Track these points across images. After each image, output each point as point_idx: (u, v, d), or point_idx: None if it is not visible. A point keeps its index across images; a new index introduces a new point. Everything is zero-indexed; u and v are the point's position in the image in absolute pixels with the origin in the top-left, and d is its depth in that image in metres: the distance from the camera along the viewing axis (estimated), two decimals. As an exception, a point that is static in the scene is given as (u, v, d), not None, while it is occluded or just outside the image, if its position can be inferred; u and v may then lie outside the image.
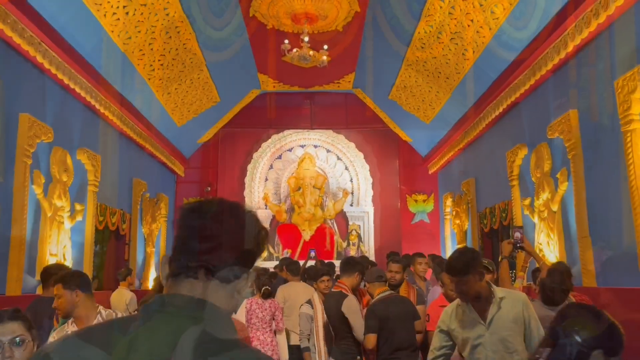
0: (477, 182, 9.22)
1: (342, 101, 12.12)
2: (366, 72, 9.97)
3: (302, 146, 12.43)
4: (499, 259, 3.68)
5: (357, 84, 11.03)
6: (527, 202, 6.92)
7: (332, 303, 4.10)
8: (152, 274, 9.74)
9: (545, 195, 6.35)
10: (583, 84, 5.60)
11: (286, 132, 12.27)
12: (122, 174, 8.56)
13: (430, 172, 11.98)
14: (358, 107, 11.98)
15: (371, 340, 3.77)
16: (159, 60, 7.52)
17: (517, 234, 3.82)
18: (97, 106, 7.11)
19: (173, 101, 9.00)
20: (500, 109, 7.48)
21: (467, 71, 7.56)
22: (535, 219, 6.63)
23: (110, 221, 8.06)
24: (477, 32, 6.65)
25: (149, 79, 7.81)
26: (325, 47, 7.26)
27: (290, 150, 12.43)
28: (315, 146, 12.42)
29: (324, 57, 7.43)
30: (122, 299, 6.94)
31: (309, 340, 4.28)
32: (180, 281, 1.00)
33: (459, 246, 10.16)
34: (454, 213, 10.47)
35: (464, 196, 9.78)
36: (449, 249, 10.96)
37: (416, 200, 12.06)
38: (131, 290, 7.23)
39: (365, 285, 4.32)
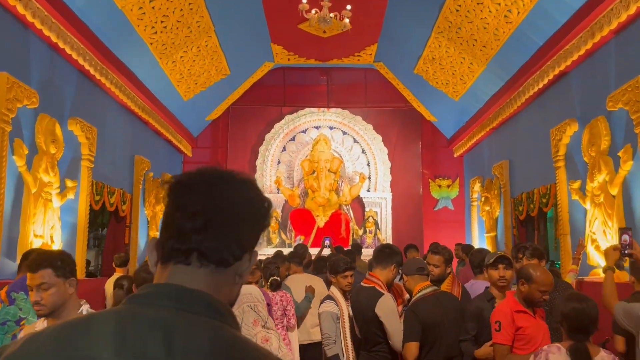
0: (512, 164, 8.35)
1: (362, 78, 11.26)
2: (390, 42, 9.09)
3: (317, 127, 11.62)
4: (602, 270, 2.91)
5: (379, 57, 10.14)
6: (576, 185, 6.06)
7: (363, 302, 3.31)
8: (156, 260, 9.03)
9: (601, 177, 5.49)
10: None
11: (300, 112, 11.47)
12: (122, 149, 7.82)
13: (455, 155, 11.11)
14: (379, 84, 11.13)
15: (412, 350, 2.99)
16: (161, 21, 6.72)
17: (625, 237, 3.04)
18: (92, 71, 6.34)
19: (178, 71, 8.20)
20: (545, 80, 6.59)
21: (508, 37, 6.67)
22: (587, 205, 5.78)
23: (108, 201, 7.33)
24: (525, -12, 5.77)
25: (151, 44, 7.02)
26: (349, 7, 6.41)
27: (304, 131, 11.63)
28: (331, 128, 11.61)
29: (346, 20, 6.58)
30: (119, 286, 6.22)
31: (335, 344, 3.48)
32: (171, 268, 0.89)
33: (488, 235, 9.32)
34: (482, 199, 9.62)
35: (496, 180, 8.92)
36: (475, 238, 10.13)
37: (440, 186, 11.22)
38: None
39: (401, 279, 3.51)
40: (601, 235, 5.50)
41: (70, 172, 6.16)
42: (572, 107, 6.26)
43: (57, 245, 5.69)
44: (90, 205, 6.70)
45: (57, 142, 5.74)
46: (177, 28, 7.08)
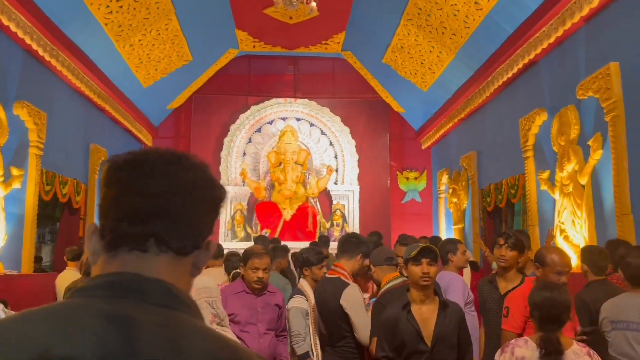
0: (480, 155, 8.27)
1: (330, 67, 11.04)
2: (358, 30, 8.88)
3: (284, 119, 11.34)
4: None
5: (347, 46, 9.93)
6: (544, 175, 5.99)
7: (328, 293, 3.08)
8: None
9: (570, 167, 5.41)
10: (626, 31, 4.64)
11: (266, 103, 11.17)
12: (75, 137, 7.38)
13: (423, 147, 11.01)
14: (347, 74, 10.93)
15: (380, 344, 2.77)
16: (116, 0, 6.32)
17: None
18: (41, 52, 5.90)
19: (137, 55, 7.79)
20: (515, 69, 6.49)
21: (478, 24, 6.54)
22: (556, 195, 5.71)
23: (60, 191, 6.90)
24: (496, -27, 5.63)
25: (106, 24, 6.61)
26: (316, -11, 6.16)
27: (270, 123, 11.34)
28: (298, 119, 11.35)
29: (313, 4, 6.33)
30: (70, 282, 5.83)
31: (304, 341, 3.24)
32: (122, 255, 0.79)
33: (455, 227, 9.25)
34: (450, 191, 9.54)
35: (463, 172, 8.84)
36: (443, 230, 10.06)
37: (407, 178, 11.12)
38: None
39: (370, 270, 3.30)
40: (570, 225, 5.43)
41: (17, 160, 5.72)
42: (541, 97, 6.18)
43: (0, 237, 5.28)
44: (40, 196, 6.28)
45: (0, 126, 5.31)
46: (135, 8, 6.68)
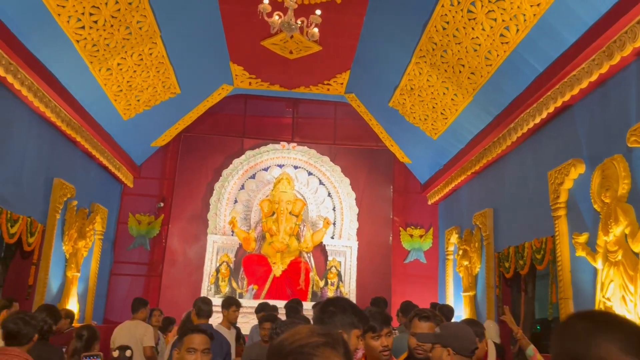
0: (497, 213, 7.27)
1: (331, 112, 10.26)
2: (364, 69, 8.09)
3: (280, 166, 10.47)
4: None
5: (351, 87, 9.13)
6: (582, 238, 4.97)
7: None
8: (72, 306, 7.46)
9: (619, 230, 4.40)
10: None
11: (262, 148, 10.33)
12: (34, 168, 6.41)
13: (430, 202, 10.03)
14: (349, 119, 10.14)
15: None
16: (90, 13, 5.51)
17: None
18: (-7, 65, 5.04)
19: (115, 82, 6.94)
20: (544, 114, 5.59)
21: (502, 61, 5.71)
22: (599, 263, 4.67)
23: (7, 230, 5.86)
24: None
25: (77, 41, 5.78)
26: (318, 12, 5.36)
27: (266, 169, 10.46)
28: (296, 167, 10.48)
29: (315, 30, 5.52)
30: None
31: None
32: None
33: (465, 294, 8.13)
34: (460, 253, 8.47)
35: (477, 231, 7.81)
36: (450, 297, 8.92)
37: (411, 235, 10.07)
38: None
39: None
40: (619, 302, 4.36)
41: (-53, 189, 4.74)
42: (576, 145, 5.25)
43: None
44: (-22, 233, 5.25)
45: None
46: (112, 26, 5.87)
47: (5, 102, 5.59)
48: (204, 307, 4.46)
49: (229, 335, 4.77)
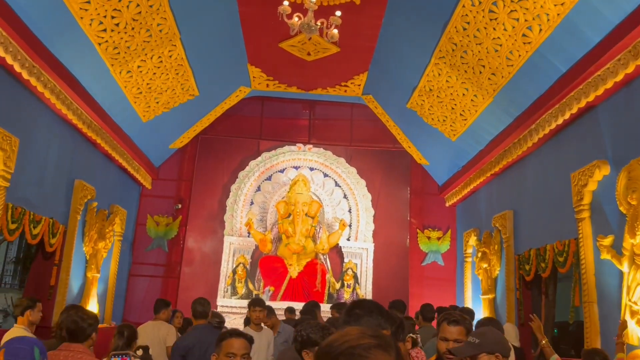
0: (517, 215, 7.19)
1: (348, 113, 10.24)
2: (382, 70, 8.06)
3: (296, 168, 10.47)
4: None
5: (369, 89, 9.11)
6: (607, 241, 4.90)
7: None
8: (92, 307, 7.53)
9: (645, 232, 4.33)
10: None
11: (279, 150, 10.35)
12: (56, 170, 6.48)
13: (447, 204, 9.96)
14: (366, 121, 10.11)
15: None
16: (112, 16, 5.56)
17: None
18: (17, 67, 5.08)
19: (135, 84, 7.00)
20: (567, 115, 5.53)
21: (523, 62, 5.65)
22: (624, 267, 4.60)
23: (30, 231, 5.93)
24: (551, -1, 4.77)
25: (99, 44, 5.84)
26: (338, 13, 5.36)
27: (282, 171, 10.47)
28: (312, 169, 10.47)
29: (335, 31, 5.52)
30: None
31: None
32: None
33: (484, 297, 8.05)
34: (478, 255, 8.39)
35: (496, 234, 7.74)
36: (469, 300, 8.84)
37: (429, 237, 10.01)
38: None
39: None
40: (647, 306, 4.29)
41: (-27, 190, 4.81)
42: (601, 147, 5.18)
43: None
44: (2, 234, 5.32)
45: (-48, 147, 4.43)
46: (133, 28, 5.92)
47: (28, 104, 5.66)
48: (199, 308, 4.64)
49: (257, 338, 4.72)
